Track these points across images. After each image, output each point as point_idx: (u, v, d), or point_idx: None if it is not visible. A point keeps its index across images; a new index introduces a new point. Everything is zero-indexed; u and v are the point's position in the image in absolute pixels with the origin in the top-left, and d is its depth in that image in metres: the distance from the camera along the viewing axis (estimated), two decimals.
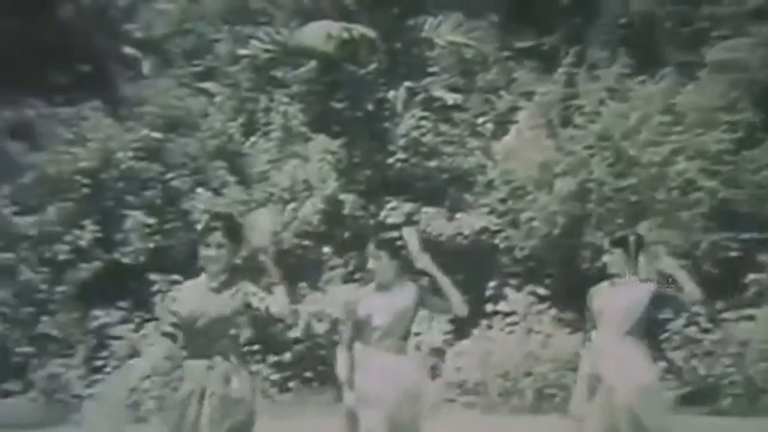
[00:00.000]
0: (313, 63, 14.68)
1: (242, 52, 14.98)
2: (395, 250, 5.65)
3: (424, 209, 13.54)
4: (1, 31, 15.04)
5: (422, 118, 14.37)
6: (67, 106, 14.92)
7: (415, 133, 14.27)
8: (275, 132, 14.16)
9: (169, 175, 13.78)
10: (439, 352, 12.19)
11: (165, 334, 5.06)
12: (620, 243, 5.96)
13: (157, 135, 14.15)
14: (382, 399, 5.48)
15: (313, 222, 13.37)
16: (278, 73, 14.89)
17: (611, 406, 5.70)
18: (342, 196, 13.65)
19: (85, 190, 13.39)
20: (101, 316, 12.57)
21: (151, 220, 13.19)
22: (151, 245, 13.11)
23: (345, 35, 14.18)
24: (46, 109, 14.86)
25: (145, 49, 17.33)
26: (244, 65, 14.97)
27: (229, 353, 5.02)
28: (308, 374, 12.25)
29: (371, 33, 14.24)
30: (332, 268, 13.19)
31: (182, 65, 15.96)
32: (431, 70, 14.94)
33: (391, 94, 14.64)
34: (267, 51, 14.86)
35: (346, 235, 13.58)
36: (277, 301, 5.03)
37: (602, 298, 5.90)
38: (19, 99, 14.94)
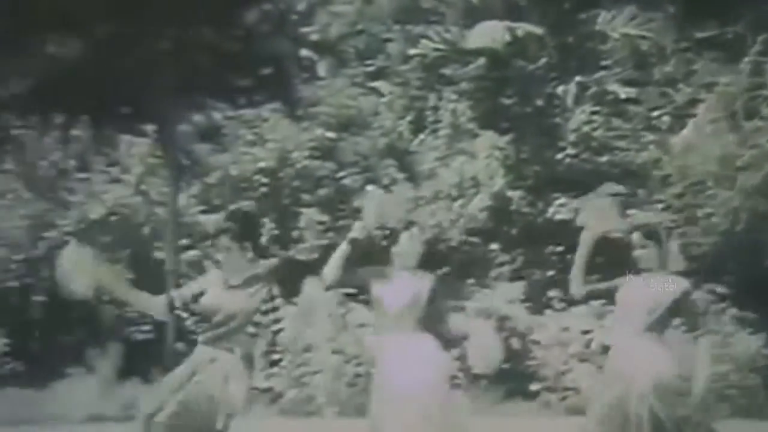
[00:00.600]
0: (481, 60, 14.73)
1: (413, 51, 15.21)
2: None
3: None
4: (191, 39, 15.87)
5: (594, 112, 14.16)
6: (249, 108, 15.57)
7: (586, 128, 14.07)
8: (443, 129, 14.31)
9: (341, 173, 14.16)
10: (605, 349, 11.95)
11: None
12: (651, 236, 5.75)
13: (330, 134, 14.56)
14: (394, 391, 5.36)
15: (480, 218, 13.41)
16: (447, 71, 15.02)
17: (627, 400, 5.53)
18: (509, 193, 13.63)
19: (264, 189, 13.96)
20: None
21: (324, 218, 13.60)
22: (325, 242, 13.51)
23: (512, 35, 14.16)
24: (231, 112, 15.54)
25: (320, 51, 17.87)
26: (414, 64, 15.19)
27: (238, 350, 5.08)
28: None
29: (539, 30, 14.14)
30: (500, 264, 13.19)
31: (355, 65, 16.33)
32: (604, 63, 14.68)
33: (561, 89, 14.48)
34: (437, 50, 15.03)
35: (514, 231, 13.54)
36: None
37: (628, 290, 5.72)
38: (207, 103, 15.74)
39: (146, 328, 12.67)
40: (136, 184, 13.48)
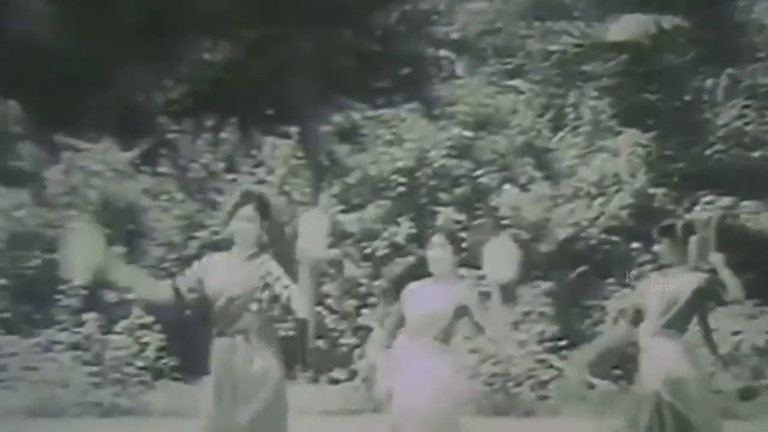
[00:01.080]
0: (624, 55, 14.46)
1: (552, 48, 15.06)
2: None
3: (744, 203, 12.88)
4: (332, 41, 16.22)
5: (745, 106, 13.68)
6: (388, 108, 15.78)
7: (737, 123, 13.61)
8: (583, 126, 14.13)
9: (479, 172, 14.17)
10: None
11: None
12: (668, 232, 5.61)
13: (468, 133, 14.58)
14: (410, 402, 5.18)
15: (621, 217, 13.19)
16: (587, 67, 14.81)
17: (639, 397, 5.48)
18: (652, 190, 13.34)
19: (401, 189, 14.12)
20: None
21: (461, 216, 13.65)
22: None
23: (657, 27, 13.83)
24: (370, 112, 15.79)
25: (459, 50, 17.93)
26: (554, 61, 15.04)
27: (251, 332, 5.01)
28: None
29: (685, 23, 13.75)
30: (641, 263, 12.93)
31: (493, 64, 16.29)
32: (759, 55, 14.16)
33: (710, 82, 14.06)
34: (577, 45, 14.84)
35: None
36: (300, 304, 5.12)
37: (651, 286, 5.67)
38: (346, 104, 16.07)
39: (287, 325, 13.05)
40: (279, 185, 13.87)
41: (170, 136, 14.59)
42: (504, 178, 14.01)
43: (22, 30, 15.67)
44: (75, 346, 12.06)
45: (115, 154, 14.15)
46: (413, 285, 5.48)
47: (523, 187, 13.78)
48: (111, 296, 12.96)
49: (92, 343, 12.40)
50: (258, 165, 14.28)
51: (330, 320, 13.53)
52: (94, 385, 11.94)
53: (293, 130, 14.49)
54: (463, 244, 5.64)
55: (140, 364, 12.39)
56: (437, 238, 5.46)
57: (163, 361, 12.51)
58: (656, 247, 5.73)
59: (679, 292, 5.55)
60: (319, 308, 13.33)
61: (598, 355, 5.74)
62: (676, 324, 5.58)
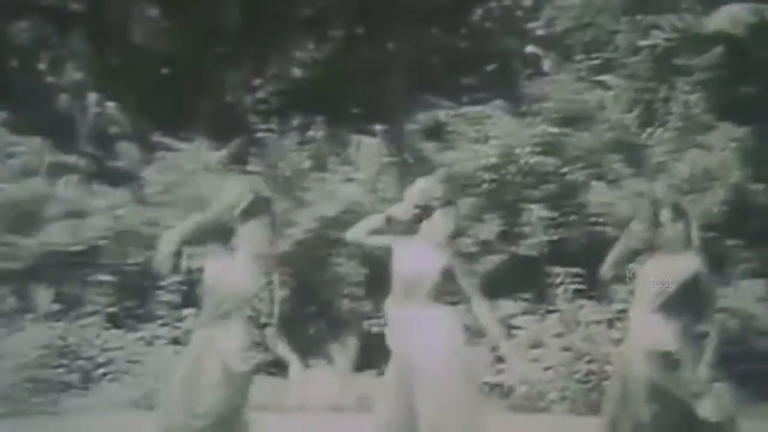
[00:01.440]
0: (719, 48, 14.15)
1: (643, 42, 14.82)
2: None
3: None
4: (419, 39, 16.31)
5: None
6: (474, 106, 15.76)
7: None
8: (675, 122, 13.86)
9: (566, 169, 14.03)
10: None
11: None
12: (679, 213, 5.60)
13: (554, 130, 14.45)
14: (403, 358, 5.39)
15: (715, 213, 12.90)
16: (679, 61, 14.54)
17: (627, 377, 5.44)
18: (749, 186, 13.03)
19: (488, 186, 14.07)
20: (505, 306, 13.08)
21: (551, 213, 13.54)
22: (551, 238, 13.46)
23: (759, 18, 13.50)
24: (456, 110, 15.79)
25: (546, 46, 17.80)
26: (644, 55, 14.80)
27: (236, 329, 5.00)
28: None
29: None
30: (739, 261, 12.65)
31: (581, 59, 16.10)
32: None
33: None
34: (668, 39, 14.58)
35: (755, 226, 12.95)
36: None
37: (646, 270, 5.67)
38: (433, 102, 16.11)
39: (382, 321, 13.09)
40: (368, 182, 13.96)
41: (259, 135, 14.81)
42: (592, 174, 13.85)
43: (137, 36, 16.23)
44: (175, 341, 12.28)
45: (207, 153, 14.42)
46: (401, 243, 5.72)
47: (612, 184, 13.60)
48: None
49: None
50: (345, 163, 14.39)
51: None
52: None
53: (379, 128, 14.57)
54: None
55: None
56: (445, 210, 5.76)
57: (260, 355, 12.69)
58: (659, 230, 5.69)
59: (673, 276, 5.51)
60: None
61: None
62: (670, 308, 5.51)
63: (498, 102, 15.44)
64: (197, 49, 16.01)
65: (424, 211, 5.82)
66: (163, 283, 12.53)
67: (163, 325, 12.62)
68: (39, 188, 14.31)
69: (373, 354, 12.56)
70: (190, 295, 13.00)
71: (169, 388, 5.25)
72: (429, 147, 14.92)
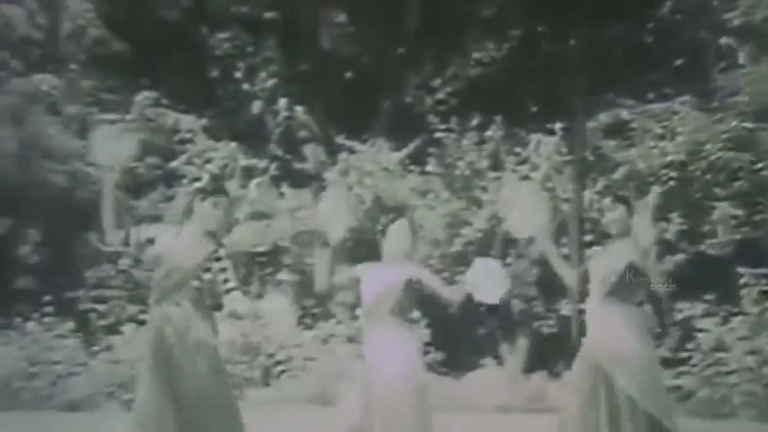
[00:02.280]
0: None
1: None
2: None
3: None
4: (601, 35, 15.94)
5: None
6: (659, 102, 15.25)
7: None
8: None
9: (759, 165, 13.34)
10: None
11: None
12: (623, 201, 5.64)
13: (748, 125, 13.80)
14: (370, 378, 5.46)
15: None
16: None
17: (592, 368, 5.41)
18: None
19: (672, 183, 13.60)
20: (686, 308, 12.63)
21: (738, 212, 12.92)
22: (739, 237, 12.85)
23: None
24: (639, 107, 15.34)
25: (741, 37, 16.91)
26: None
27: (188, 301, 5.05)
28: None
29: None
30: None
31: None
32: None
33: None
34: None
35: None
36: (239, 304, 5.26)
37: (593, 260, 5.84)
38: (614, 100, 15.71)
39: (551, 322, 12.97)
40: (542, 182, 13.82)
41: (438, 135, 14.96)
42: None
43: (325, 41, 16.86)
44: (350, 339, 12.61)
45: (387, 154, 14.72)
46: (365, 268, 5.88)
47: None
48: None
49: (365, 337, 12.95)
50: (522, 162, 14.30)
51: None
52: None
53: (558, 126, 14.38)
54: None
55: None
56: (397, 225, 5.88)
57: (431, 355, 12.84)
58: (606, 217, 5.84)
59: (617, 263, 5.57)
60: (582, 305, 13.12)
61: None
62: (621, 293, 5.56)
63: (685, 97, 14.88)
64: (380, 52, 16.37)
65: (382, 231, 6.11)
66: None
67: (338, 323, 12.97)
68: (232, 191, 15.08)
69: (544, 355, 12.44)
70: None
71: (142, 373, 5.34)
72: (609, 145, 14.58)
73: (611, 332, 5.57)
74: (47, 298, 12.94)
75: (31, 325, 12.62)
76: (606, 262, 5.73)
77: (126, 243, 5.36)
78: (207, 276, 5.21)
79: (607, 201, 5.95)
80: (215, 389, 5.17)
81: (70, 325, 12.62)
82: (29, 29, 15.93)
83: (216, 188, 6.01)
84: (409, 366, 5.67)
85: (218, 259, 5.21)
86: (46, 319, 12.70)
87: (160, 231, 5.39)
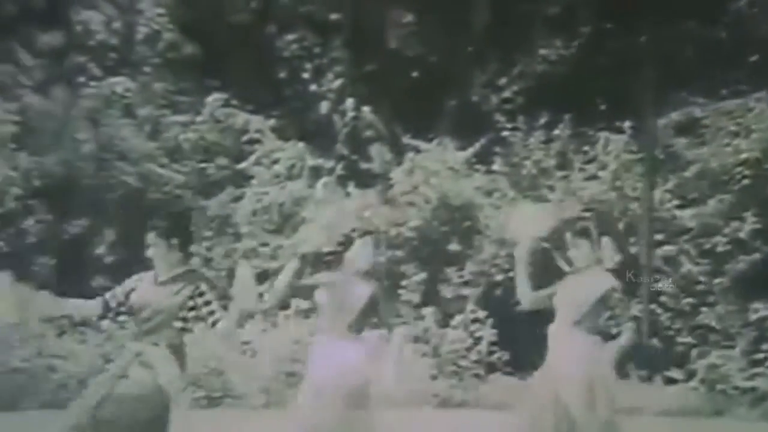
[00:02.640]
0: None
1: None
2: None
3: None
4: (672, 32, 15.66)
5: None
6: (733, 99, 14.92)
7: None
8: None
9: None
10: None
11: None
12: (583, 234, 5.68)
13: None
14: (321, 386, 5.64)
15: None
16: None
17: (554, 395, 5.46)
18: None
19: (746, 182, 13.32)
20: (761, 308, 12.37)
21: None
22: None
23: None
24: (712, 104, 15.03)
25: None
26: None
27: (163, 343, 5.06)
28: None
29: None
30: None
31: None
32: None
33: None
34: None
35: None
36: (226, 323, 5.06)
37: (563, 290, 5.83)
38: (686, 98, 15.42)
39: (611, 323, 12.76)
40: (611, 180, 13.66)
41: (504, 134, 14.87)
42: None
43: (391, 41, 16.89)
44: (415, 339, 12.63)
45: (453, 153, 14.68)
46: (326, 278, 6.06)
47: None
48: (447, 291, 13.50)
49: (430, 336, 12.98)
50: (590, 161, 14.14)
51: (665, 318, 13.09)
52: (431, 377, 12.49)
53: (627, 125, 14.18)
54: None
55: (474, 357, 12.76)
56: (360, 240, 6.05)
57: (496, 355, 12.79)
58: (570, 252, 5.82)
59: (589, 294, 5.62)
60: (653, 306, 12.98)
61: None
62: (587, 322, 5.62)
63: (761, 93, 14.53)
64: (446, 51, 16.33)
65: (345, 243, 6.07)
66: (404, 283, 12.93)
67: (403, 323, 12.98)
68: (299, 191, 15.20)
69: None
70: (430, 295, 13.36)
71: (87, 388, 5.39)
72: (681, 143, 14.33)
73: (573, 358, 5.64)
74: None
75: (106, 323, 12.90)
76: (578, 291, 5.78)
77: (107, 309, 5.40)
78: (191, 314, 5.24)
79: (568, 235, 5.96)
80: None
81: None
82: (107, 34, 16.29)
83: None
84: (348, 374, 5.84)
85: (201, 294, 5.23)
86: (120, 318, 12.97)
87: (135, 284, 5.40)
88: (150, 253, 5.30)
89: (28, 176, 14.56)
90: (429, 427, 10.85)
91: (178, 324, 5.22)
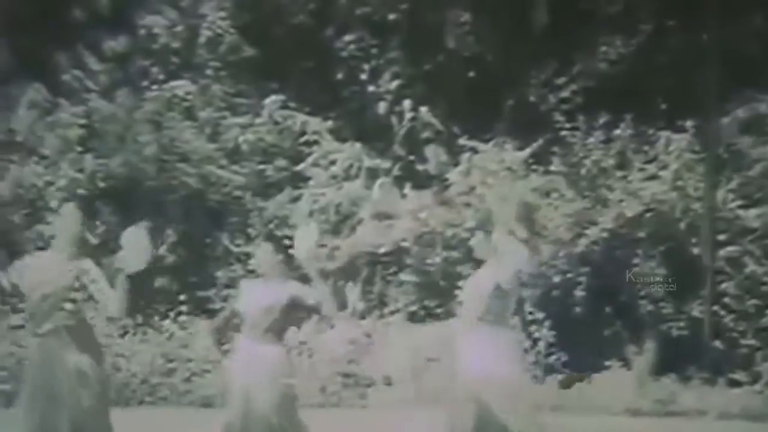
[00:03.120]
0: None
1: None
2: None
3: None
4: (736, 29, 15.38)
5: None
6: None
7: None
8: None
9: None
10: None
11: None
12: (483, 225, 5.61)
13: None
14: (245, 389, 5.73)
15: None
16: None
17: (459, 395, 5.40)
18: None
19: None
20: None
21: None
22: None
23: None
24: None
25: None
26: None
27: (63, 331, 4.99)
28: None
29: None
30: None
31: None
32: None
33: None
34: None
35: None
36: (115, 303, 5.05)
37: (465, 284, 5.80)
38: (751, 95, 15.12)
39: (682, 324, 12.62)
40: (672, 180, 13.46)
41: (563, 133, 14.74)
42: None
43: (449, 41, 16.87)
44: None
45: (510, 153, 14.59)
46: (246, 283, 6.24)
47: None
48: None
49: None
50: (650, 161, 13.94)
51: (729, 320, 12.86)
52: None
53: (689, 124, 13.96)
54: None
55: (532, 359, 12.67)
56: (262, 245, 6.19)
57: (554, 356, 12.69)
58: (471, 242, 5.68)
59: (486, 285, 5.42)
60: (716, 307, 12.78)
61: None
62: (491, 317, 5.40)
63: None
64: (503, 50, 16.25)
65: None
66: (459, 283, 12.86)
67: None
68: (356, 192, 15.26)
69: (673, 358, 12.10)
70: None
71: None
72: (745, 141, 14.06)
73: (482, 357, 5.44)
74: (182, 297, 13.44)
75: (167, 323, 13.10)
76: (473, 287, 5.64)
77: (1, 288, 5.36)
78: (80, 296, 5.23)
79: None
80: (97, 422, 5.19)
81: (204, 323, 13.00)
82: (169, 38, 16.55)
83: None
84: (276, 379, 5.92)
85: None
86: (182, 318, 13.17)
87: (27, 263, 5.36)
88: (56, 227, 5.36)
89: (93, 178, 14.85)
90: None
91: (68, 305, 5.16)
